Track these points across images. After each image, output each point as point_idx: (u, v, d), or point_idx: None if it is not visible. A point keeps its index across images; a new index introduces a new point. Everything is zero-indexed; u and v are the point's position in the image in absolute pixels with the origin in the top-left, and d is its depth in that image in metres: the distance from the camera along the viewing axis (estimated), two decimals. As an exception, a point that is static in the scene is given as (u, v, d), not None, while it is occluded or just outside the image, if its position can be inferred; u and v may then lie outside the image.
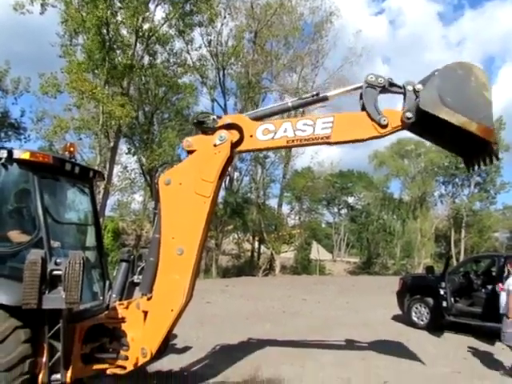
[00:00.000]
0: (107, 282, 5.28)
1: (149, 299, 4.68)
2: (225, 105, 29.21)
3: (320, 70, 30.90)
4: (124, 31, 21.83)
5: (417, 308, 10.49)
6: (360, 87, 4.71)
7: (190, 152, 4.88)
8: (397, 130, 4.55)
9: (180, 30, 23.95)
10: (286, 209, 39.62)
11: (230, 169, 27.81)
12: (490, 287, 10.00)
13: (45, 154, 4.49)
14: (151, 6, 22.46)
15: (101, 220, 20.51)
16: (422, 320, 10.31)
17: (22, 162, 4.34)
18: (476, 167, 4.88)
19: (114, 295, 5.14)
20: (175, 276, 4.59)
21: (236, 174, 30.35)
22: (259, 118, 4.84)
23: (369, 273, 40.02)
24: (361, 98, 4.68)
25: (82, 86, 18.75)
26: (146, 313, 4.66)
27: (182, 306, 4.60)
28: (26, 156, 4.29)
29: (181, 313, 4.70)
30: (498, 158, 4.61)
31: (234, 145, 4.71)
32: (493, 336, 9.18)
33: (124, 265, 5.36)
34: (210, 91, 28.36)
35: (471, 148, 4.68)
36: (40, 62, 42.54)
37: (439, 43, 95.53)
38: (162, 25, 23.22)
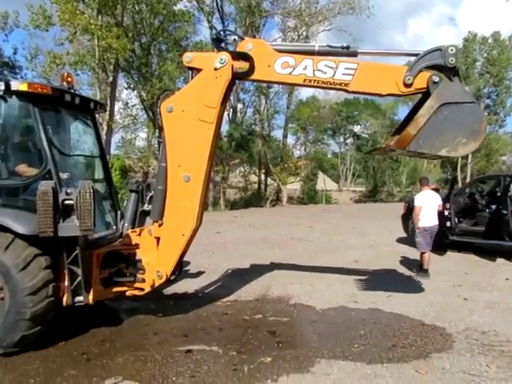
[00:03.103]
0: (119, 212, 5.44)
1: (160, 226, 4.84)
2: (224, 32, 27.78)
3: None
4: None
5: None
6: (415, 55, 4.36)
7: (189, 68, 4.76)
8: (419, 92, 4.33)
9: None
10: (291, 140, 39.42)
11: (232, 100, 27.27)
12: (493, 207, 10.14)
13: (43, 85, 4.42)
14: None
15: (107, 158, 20.75)
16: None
17: (20, 94, 4.29)
18: None
19: (126, 224, 5.31)
20: (184, 202, 4.70)
21: (239, 106, 29.76)
22: (280, 52, 4.58)
23: (374, 201, 40.58)
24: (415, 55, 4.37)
25: (75, 18, 17.83)
26: (158, 239, 4.84)
27: (193, 230, 4.76)
28: (24, 87, 4.23)
29: (192, 237, 4.88)
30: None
31: (249, 72, 4.54)
32: (494, 252, 9.51)
33: (133, 195, 5.48)
34: (208, 17, 26.86)
35: None
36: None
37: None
38: None
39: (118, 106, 27.38)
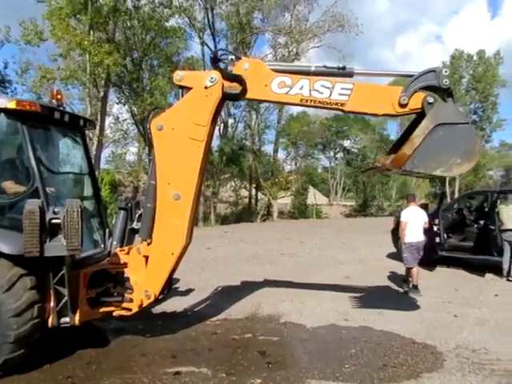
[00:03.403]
0: (107, 230, 5.38)
1: (149, 244, 4.79)
2: (215, 48, 28.11)
3: (314, 7, 29.41)
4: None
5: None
6: (409, 75, 4.45)
7: (180, 87, 4.78)
8: (414, 112, 4.40)
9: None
10: (281, 155, 39.59)
11: (223, 115, 27.43)
12: (481, 222, 10.25)
13: (32, 103, 4.38)
14: None
15: (96, 172, 20.55)
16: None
17: (8, 112, 4.25)
18: None
19: (114, 242, 5.24)
20: (173, 221, 4.67)
21: (230, 121, 29.92)
22: (277, 71, 4.63)
23: (365, 215, 40.77)
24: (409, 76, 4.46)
25: (66, 34, 17.89)
26: (146, 257, 4.78)
27: (182, 249, 4.72)
28: (12, 105, 4.20)
29: (181, 256, 4.83)
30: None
31: (244, 91, 4.56)
32: (483, 268, 9.57)
33: (122, 213, 5.42)
34: (199, 34, 27.12)
35: None
36: (18, 8, 40.19)
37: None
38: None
39: (108, 120, 27.34)
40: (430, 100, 4.24)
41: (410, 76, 4.45)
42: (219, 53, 4.93)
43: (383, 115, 4.56)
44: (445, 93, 4.34)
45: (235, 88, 4.63)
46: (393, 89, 4.49)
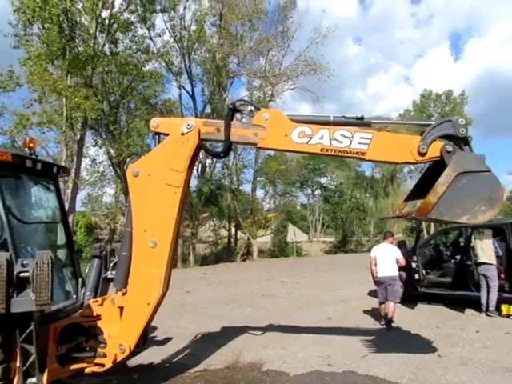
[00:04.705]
0: (80, 280, 5.15)
1: (124, 294, 4.60)
2: (192, 91, 28.70)
3: (287, 52, 30.73)
4: (84, 19, 20.98)
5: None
6: (427, 125, 4.54)
7: (156, 133, 4.77)
8: (432, 160, 4.46)
9: (142, 16, 23.20)
10: (260, 193, 39.87)
11: (201, 156, 27.58)
12: (458, 257, 10.41)
13: (2, 152, 4.27)
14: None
15: (71, 216, 20.05)
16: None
17: (-22, 161, 4.14)
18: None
19: (87, 293, 5.02)
20: (150, 269, 4.52)
21: (208, 161, 30.06)
22: (296, 121, 4.64)
23: (344, 251, 40.91)
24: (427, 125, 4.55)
25: (43, 78, 17.98)
26: (121, 308, 4.59)
27: (159, 298, 4.55)
28: (-18, 155, 4.09)
29: (158, 306, 4.65)
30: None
31: (266, 141, 4.56)
32: (463, 303, 9.61)
33: (96, 261, 5.24)
34: (177, 78, 27.75)
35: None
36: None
37: (408, 21, 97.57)
38: (123, 11, 22.45)
39: (84, 162, 27.05)
40: (449, 149, 4.29)
41: (427, 125, 4.54)
42: (238, 103, 4.89)
43: (403, 163, 4.62)
44: (461, 141, 4.41)
45: (211, 133, 4.66)
46: (411, 138, 4.54)
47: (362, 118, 4.72)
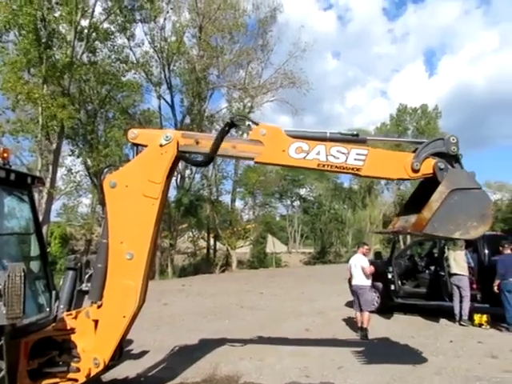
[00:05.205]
0: (53, 293, 5.04)
1: (99, 307, 4.53)
2: (172, 101, 28.64)
3: (267, 64, 31.12)
4: (62, 28, 20.76)
5: (367, 293, 10.95)
6: (419, 142, 4.67)
7: (134, 144, 4.76)
8: (425, 177, 4.56)
9: (122, 26, 23.12)
10: (239, 204, 39.85)
11: (180, 167, 27.47)
12: (432, 268, 10.65)
13: (-25, 162, 4.20)
14: (91, 1, 21.56)
15: (46, 226, 19.54)
16: (373, 304, 10.77)
17: (-51, 172, 4.04)
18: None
19: (61, 306, 4.90)
20: (126, 281, 4.47)
21: (187, 172, 29.94)
22: (293, 137, 4.69)
23: (323, 262, 41.17)
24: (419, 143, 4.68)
25: (17, 86, 17.63)
26: (96, 321, 4.51)
27: (135, 311, 4.49)
28: (-47, 165, 3.99)
29: (133, 318, 4.59)
30: None
31: (263, 156, 4.59)
32: (437, 313, 9.82)
33: (71, 273, 5.12)
34: (156, 88, 27.67)
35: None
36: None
37: (385, 37, 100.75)
38: (103, 21, 22.33)
39: (60, 172, 26.51)
40: (442, 166, 4.41)
41: (420, 143, 4.68)
42: (235, 118, 4.93)
43: (397, 179, 4.73)
44: (452, 159, 4.54)
45: (190, 145, 4.68)
46: (405, 155, 4.66)
47: (357, 135, 4.84)
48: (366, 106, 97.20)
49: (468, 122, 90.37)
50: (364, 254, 8.82)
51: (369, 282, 8.59)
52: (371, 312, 8.77)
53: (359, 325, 8.40)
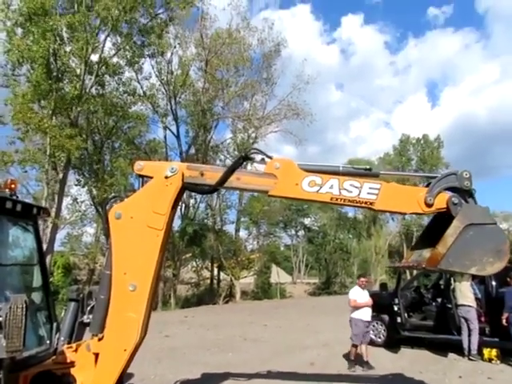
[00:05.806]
0: (55, 325, 4.99)
1: (100, 340, 4.47)
2: (177, 132, 29.17)
3: (271, 96, 31.78)
4: (72, 62, 21.46)
5: (374, 326, 10.68)
6: (432, 177, 4.68)
7: (140, 176, 4.83)
8: (439, 211, 4.54)
9: (131, 61, 23.85)
10: (243, 234, 39.69)
11: (185, 196, 27.62)
12: (439, 300, 10.45)
13: (-18, 194, 4.27)
14: (101, 36, 22.37)
15: (49, 256, 19.52)
16: (380, 337, 10.53)
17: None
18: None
19: (62, 338, 4.85)
20: (128, 313, 4.43)
21: (191, 201, 30.06)
22: (306, 170, 4.71)
23: (328, 293, 40.50)
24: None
25: (27, 117, 18.08)
26: (96, 355, 4.44)
27: (136, 344, 4.43)
28: (-40, 196, 4.07)
29: (135, 352, 4.51)
30: None
31: (277, 189, 4.59)
32: (446, 347, 9.56)
33: (73, 304, 5.09)
34: (162, 119, 28.24)
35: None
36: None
37: (387, 70, 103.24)
38: (113, 55, 23.08)
39: (66, 201, 26.72)
40: (455, 201, 4.37)
41: (433, 177, 4.68)
42: (249, 151, 4.97)
43: (411, 213, 4.72)
44: (466, 193, 4.52)
45: (197, 178, 4.74)
46: (417, 189, 4.67)
47: (370, 169, 4.87)
48: (370, 136, 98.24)
49: (471, 152, 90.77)
50: (360, 286, 8.76)
51: (357, 315, 8.54)
52: (378, 346, 8.63)
53: (365, 359, 8.21)
